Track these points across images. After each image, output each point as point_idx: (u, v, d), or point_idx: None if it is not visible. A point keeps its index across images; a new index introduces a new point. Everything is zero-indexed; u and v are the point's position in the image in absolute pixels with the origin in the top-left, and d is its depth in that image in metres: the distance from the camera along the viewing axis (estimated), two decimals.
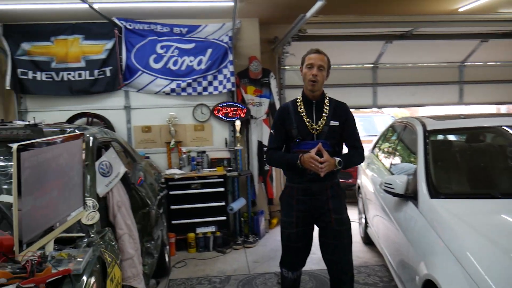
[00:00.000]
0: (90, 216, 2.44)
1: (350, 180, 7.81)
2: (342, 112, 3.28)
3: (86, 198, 2.55)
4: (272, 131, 3.38)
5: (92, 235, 2.34)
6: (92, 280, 1.79)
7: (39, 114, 6.24)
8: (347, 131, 3.25)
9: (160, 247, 4.43)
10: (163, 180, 5.45)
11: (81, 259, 1.86)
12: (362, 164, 6.05)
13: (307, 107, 3.25)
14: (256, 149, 6.64)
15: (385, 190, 3.70)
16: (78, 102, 6.32)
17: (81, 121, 6.19)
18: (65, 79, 6.22)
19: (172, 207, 5.93)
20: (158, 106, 6.42)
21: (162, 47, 6.34)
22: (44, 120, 3.73)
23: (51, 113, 6.26)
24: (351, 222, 3.39)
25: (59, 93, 6.25)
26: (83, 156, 2.77)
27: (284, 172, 3.50)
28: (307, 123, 3.18)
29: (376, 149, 5.89)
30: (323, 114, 3.20)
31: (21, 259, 1.64)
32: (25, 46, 6.17)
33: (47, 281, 1.53)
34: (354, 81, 7.69)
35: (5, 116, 6.35)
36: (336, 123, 3.20)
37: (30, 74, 6.18)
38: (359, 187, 6.19)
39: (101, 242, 2.26)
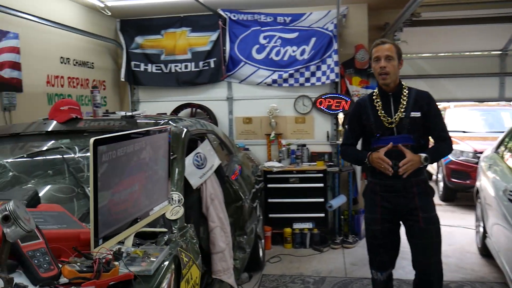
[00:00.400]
0: (174, 210, 2.40)
1: (468, 182, 6.96)
2: (424, 102, 3.00)
3: (172, 192, 2.52)
4: (346, 126, 3.31)
5: (174, 231, 2.29)
6: (164, 283, 1.70)
7: (149, 105, 6.61)
8: (431, 121, 3.01)
9: (253, 241, 4.34)
10: (260, 172, 5.36)
11: (155, 259, 1.78)
12: (482, 164, 5.31)
13: (384, 100, 3.04)
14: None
15: (510, 200, 3.13)
16: (183, 93, 6.53)
17: (186, 111, 6.39)
18: (173, 70, 6.46)
19: (270, 200, 5.83)
20: (260, 97, 6.35)
21: (265, 37, 6.24)
22: (144, 111, 3.84)
23: (159, 104, 6.57)
24: (466, 228, 2.97)
25: (167, 84, 6.52)
26: (171, 149, 2.76)
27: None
28: (382, 117, 2.98)
29: (502, 148, 5.10)
30: (400, 106, 2.97)
31: (95, 255, 1.59)
32: (139, 40, 6.53)
33: (109, 283, 1.47)
34: (476, 70, 6.81)
35: (120, 105, 6.83)
36: (418, 114, 2.95)
37: (142, 66, 6.53)
38: (477, 190, 5.45)
39: (181, 240, 2.19)
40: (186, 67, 6.44)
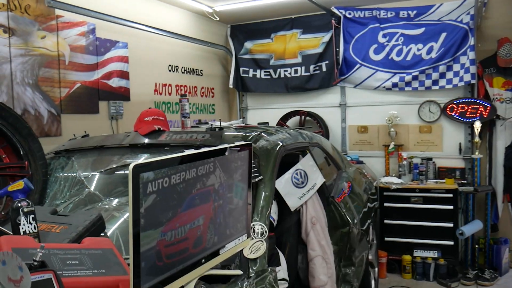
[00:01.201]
0: (254, 247, 1.95)
1: None
2: None
3: (254, 223, 2.07)
4: None
5: (251, 274, 1.83)
6: None
7: (257, 112, 6.32)
8: None
9: (362, 272, 3.69)
10: (375, 189, 4.66)
11: None
12: None
13: None
14: (503, 158, 5.11)
15: None
16: (293, 99, 6.11)
17: (294, 119, 5.95)
18: (282, 76, 6.08)
19: (386, 221, 5.07)
20: (377, 103, 5.62)
21: (384, 35, 5.50)
22: (241, 120, 3.48)
23: (267, 111, 6.24)
24: None
25: (275, 90, 6.16)
26: (258, 168, 2.31)
27: None
28: None
29: None
30: None
31: None
32: (248, 45, 6.29)
33: None
34: None
35: (229, 113, 6.66)
36: None
37: (251, 72, 6.27)
38: None
39: None
40: (296, 71, 6.00)
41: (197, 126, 2.99)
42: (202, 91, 5.99)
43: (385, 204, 5.03)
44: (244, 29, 6.32)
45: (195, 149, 2.38)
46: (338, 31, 5.69)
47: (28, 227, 1.71)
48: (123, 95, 4.58)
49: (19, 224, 1.69)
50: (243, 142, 1.86)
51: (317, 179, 3.20)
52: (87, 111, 4.16)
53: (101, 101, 4.32)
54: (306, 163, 3.16)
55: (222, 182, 1.75)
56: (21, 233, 1.69)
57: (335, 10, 5.65)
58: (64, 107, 3.93)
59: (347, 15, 5.66)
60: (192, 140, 2.42)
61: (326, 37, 5.79)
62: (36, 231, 1.73)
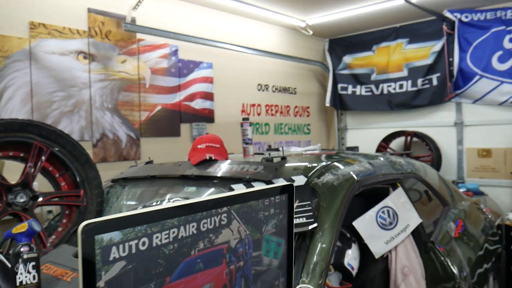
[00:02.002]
0: None
1: None
2: None
3: (301, 285, 1.59)
4: None
5: None
6: None
7: (357, 132, 5.73)
8: None
9: None
10: (496, 229, 3.74)
11: None
12: None
13: None
14: None
15: None
16: (397, 118, 5.38)
17: (398, 141, 5.21)
18: (385, 92, 5.41)
19: None
20: (503, 121, 4.64)
21: (511, 40, 4.54)
22: (319, 146, 2.99)
23: (368, 131, 5.60)
24: None
25: (377, 108, 5.50)
26: (316, 212, 1.82)
27: None
28: None
29: None
30: None
31: None
32: (347, 59, 5.76)
33: None
34: None
35: (327, 134, 6.15)
36: None
37: (350, 89, 5.72)
38: None
39: None
40: (401, 86, 5.28)
41: (262, 153, 2.61)
42: (296, 110, 5.60)
43: None
44: (343, 42, 5.81)
45: (245, 184, 2.01)
46: (452, 38, 4.86)
47: (26, 276, 1.49)
48: (207, 116, 4.41)
49: (16, 273, 1.47)
50: (280, 184, 1.41)
51: (411, 219, 2.58)
52: (168, 134, 4.05)
53: (183, 124, 4.19)
54: (396, 199, 2.56)
55: (243, 238, 1.32)
56: (18, 284, 1.47)
57: (448, 14, 4.85)
58: (144, 131, 3.86)
59: (463, 19, 4.81)
60: (242, 172, 2.04)
61: (437, 46, 4.99)
62: (35, 281, 1.50)
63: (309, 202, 1.83)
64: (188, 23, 4.25)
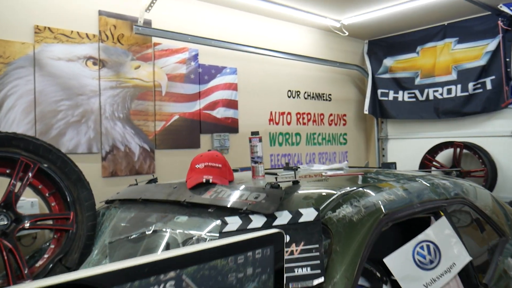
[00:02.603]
0: None
1: None
2: None
3: None
4: None
5: None
6: None
7: (399, 143, 5.21)
8: None
9: None
10: None
11: None
12: None
13: None
14: None
15: None
16: (445, 127, 4.81)
17: (446, 153, 4.64)
18: (431, 97, 4.86)
19: None
20: None
21: None
22: (346, 164, 2.55)
23: (411, 141, 5.07)
24: None
25: (422, 115, 4.95)
26: (327, 257, 1.41)
27: None
28: None
29: None
30: None
31: None
32: (388, 62, 5.25)
33: None
34: None
35: (366, 144, 5.65)
36: None
37: (391, 95, 5.20)
38: None
39: None
40: (449, 91, 4.72)
41: (274, 174, 2.21)
42: (331, 118, 5.16)
43: None
44: (384, 43, 5.31)
45: (241, 217, 1.64)
46: (509, 35, 4.26)
47: None
48: (230, 126, 4.07)
49: None
50: (260, 233, 1.03)
51: (457, 256, 2.12)
52: (185, 146, 3.74)
53: (203, 134, 3.87)
54: (439, 231, 2.10)
55: None
56: None
57: (504, 8, 4.24)
58: (159, 142, 3.57)
59: None
60: (241, 202, 1.66)
61: (491, 45, 4.40)
62: None
63: (317, 246, 1.43)
64: (210, 25, 3.94)
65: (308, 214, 1.55)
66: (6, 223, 2.08)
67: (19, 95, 2.88)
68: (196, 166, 2.02)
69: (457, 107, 4.64)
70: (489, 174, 4.23)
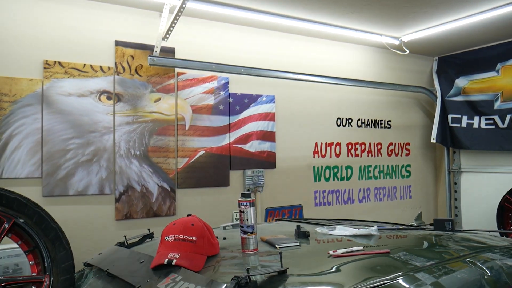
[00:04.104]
0: None
1: None
2: None
3: None
4: None
5: None
6: None
7: (474, 177, 4.42)
8: None
9: None
10: None
11: None
12: None
13: None
14: None
15: None
16: None
17: None
18: None
19: None
20: None
21: None
22: (375, 229, 1.98)
23: (490, 176, 4.24)
24: None
25: (503, 146, 4.11)
26: None
27: None
28: None
29: None
30: None
31: None
32: (460, 82, 4.48)
33: None
34: None
35: (435, 177, 4.87)
36: None
37: (464, 121, 4.41)
38: None
39: None
40: None
41: (272, 245, 1.71)
42: (390, 148, 4.50)
43: None
44: (456, 60, 4.55)
45: None
46: None
47: None
48: (266, 161, 3.63)
49: None
50: None
51: None
52: (213, 184, 3.38)
53: (233, 171, 3.48)
54: None
55: None
56: None
57: None
58: (181, 181, 3.24)
59: None
60: None
61: None
62: None
63: None
64: (242, 49, 3.57)
65: None
66: None
67: (25, 135, 2.72)
68: (165, 238, 1.62)
69: None
70: None
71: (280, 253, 1.42)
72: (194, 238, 1.60)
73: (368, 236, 1.93)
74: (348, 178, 4.16)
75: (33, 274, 1.98)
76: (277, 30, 3.73)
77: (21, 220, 1.98)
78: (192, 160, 3.30)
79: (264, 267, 1.53)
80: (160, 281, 1.43)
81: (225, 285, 1.27)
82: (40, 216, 2.03)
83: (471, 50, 4.45)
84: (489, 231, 2.39)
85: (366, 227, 2.02)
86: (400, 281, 1.35)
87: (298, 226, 2.00)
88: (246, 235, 1.69)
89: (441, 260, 1.57)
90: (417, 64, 4.67)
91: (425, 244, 1.90)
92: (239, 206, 1.71)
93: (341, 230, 2.01)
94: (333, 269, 1.47)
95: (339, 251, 1.60)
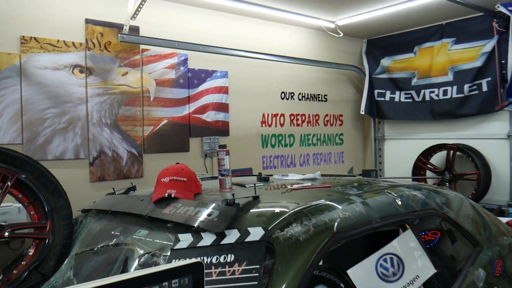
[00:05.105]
0: None
1: None
2: None
3: None
4: None
5: None
6: None
7: (395, 143, 5.19)
8: None
9: None
10: None
11: None
12: None
13: None
14: None
15: None
16: (440, 128, 4.76)
17: (440, 155, 4.59)
18: (427, 98, 4.81)
19: None
20: None
21: None
22: (319, 174, 2.57)
23: (407, 142, 5.03)
24: None
25: (418, 117, 4.91)
26: (267, 277, 1.45)
27: None
28: None
29: None
30: None
31: None
32: (385, 62, 5.20)
33: None
34: None
35: (364, 144, 5.63)
36: None
37: (388, 95, 5.16)
38: None
39: None
40: (445, 93, 4.66)
41: (242, 185, 2.25)
42: (326, 119, 5.15)
43: None
44: (382, 43, 5.27)
45: (192, 235, 1.68)
46: (506, 36, 4.18)
47: None
48: (221, 129, 4.11)
49: None
50: (175, 264, 1.07)
51: (421, 269, 2.13)
52: (175, 150, 3.81)
53: (192, 138, 3.93)
54: (403, 245, 2.11)
55: None
56: None
57: (501, 9, 4.16)
58: (147, 147, 3.64)
59: None
60: (194, 219, 1.71)
61: (488, 45, 4.32)
62: None
63: (257, 266, 1.46)
64: (200, 29, 3.97)
65: (255, 234, 1.59)
66: None
67: (5, 105, 2.97)
68: (161, 180, 2.07)
69: (452, 108, 4.58)
70: (482, 178, 4.18)
71: (254, 184, 1.93)
72: (184, 179, 2.06)
73: (313, 179, 2.50)
74: (291, 145, 4.75)
75: None
76: (232, 12, 4.17)
77: (23, 176, 2.31)
78: (156, 128, 3.70)
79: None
80: (164, 209, 1.89)
81: (219, 203, 1.76)
82: (40, 172, 2.37)
83: (394, 34, 5.17)
84: (403, 178, 3.07)
85: (312, 174, 2.60)
86: (339, 200, 1.92)
87: (260, 173, 2.53)
88: (224, 177, 2.18)
89: (367, 191, 2.17)
90: (349, 45, 5.33)
91: (356, 183, 2.51)
92: (218, 155, 2.19)
93: (293, 176, 2.57)
94: (291, 197, 2.01)
95: (295, 186, 2.15)
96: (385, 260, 2.01)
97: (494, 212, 3.64)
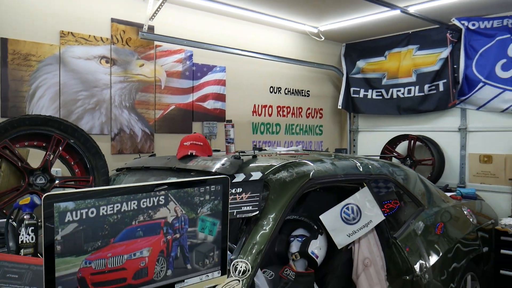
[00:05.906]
0: (229, 286, 1.84)
1: None
2: None
3: (237, 260, 1.96)
4: None
5: None
6: None
7: (367, 134, 5.97)
8: None
9: None
10: (475, 233, 3.89)
11: None
12: None
13: None
14: None
15: None
16: (404, 122, 5.58)
17: (403, 145, 5.41)
18: (394, 96, 5.61)
19: (503, 272, 4.20)
20: (504, 128, 4.75)
21: None
22: (301, 147, 3.34)
23: (377, 134, 5.83)
24: None
25: (386, 112, 5.71)
26: (263, 202, 2.19)
27: None
28: None
29: None
30: None
31: None
32: (360, 63, 5.99)
33: None
34: None
35: (340, 135, 6.42)
36: None
37: (362, 92, 5.95)
38: None
39: None
40: (409, 91, 5.47)
41: (242, 152, 2.97)
42: (308, 112, 5.92)
43: (502, 251, 4.18)
44: (358, 47, 6.05)
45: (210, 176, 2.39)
46: (458, 46, 5.01)
47: (26, 237, 1.95)
48: (218, 116, 4.83)
49: (19, 234, 1.94)
50: (214, 176, 1.80)
51: (374, 216, 2.87)
52: (180, 131, 4.50)
53: (194, 122, 4.63)
54: (361, 198, 2.86)
55: (179, 216, 1.72)
56: (20, 242, 1.94)
57: (455, 22, 4.99)
58: (158, 127, 4.33)
59: (470, 27, 4.94)
60: (212, 167, 2.43)
61: (444, 52, 5.15)
62: (33, 241, 1.96)
63: (258, 194, 2.20)
64: (204, 30, 4.68)
65: (256, 176, 2.32)
66: (44, 182, 2.84)
67: (47, 86, 3.64)
68: (184, 143, 2.79)
69: (414, 105, 5.40)
70: (436, 163, 5.00)
71: (254, 148, 2.67)
72: (201, 144, 2.78)
73: (297, 151, 3.26)
74: (277, 133, 5.50)
75: None
76: (231, 16, 4.89)
77: (72, 141, 2.98)
78: (166, 112, 4.40)
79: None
80: (188, 163, 2.61)
81: (230, 156, 2.48)
82: (85, 138, 3.05)
83: (369, 39, 5.96)
84: (371, 156, 3.84)
85: (295, 147, 3.35)
86: (314, 160, 2.67)
87: (254, 145, 3.27)
88: (229, 144, 2.91)
89: (337, 158, 2.93)
90: (330, 48, 6.11)
91: (330, 154, 3.27)
92: (225, 127, 2.92)
93: (280, 148, 3.32)
94: (279, 158, 2.76)
95: (283, 151, 2.90)
96: (347, 208, 2.77)
97: (442, 188, 4.44)
